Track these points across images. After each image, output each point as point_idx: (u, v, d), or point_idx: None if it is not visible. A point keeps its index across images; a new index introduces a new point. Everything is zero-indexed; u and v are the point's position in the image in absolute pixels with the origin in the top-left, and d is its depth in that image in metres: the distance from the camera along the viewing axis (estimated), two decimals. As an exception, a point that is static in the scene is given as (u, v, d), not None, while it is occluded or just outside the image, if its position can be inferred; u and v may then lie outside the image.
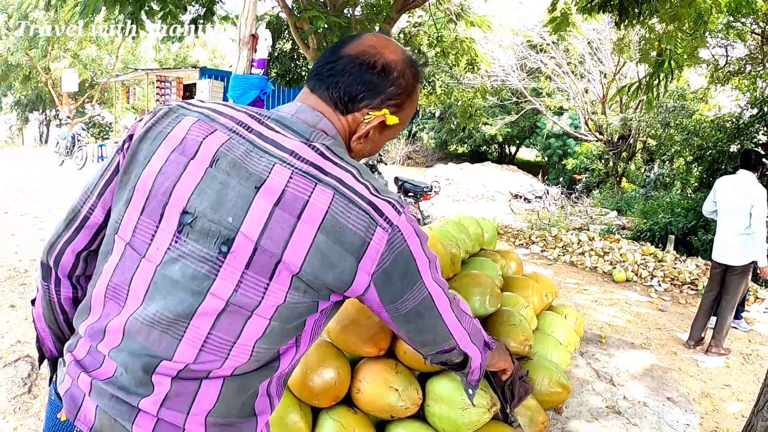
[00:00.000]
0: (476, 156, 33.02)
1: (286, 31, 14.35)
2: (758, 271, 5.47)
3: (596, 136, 22.09)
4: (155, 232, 1.06)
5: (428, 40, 16.48)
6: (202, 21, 12.24)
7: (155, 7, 10.88)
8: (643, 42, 10.18)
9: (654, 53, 8.85)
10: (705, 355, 5.53)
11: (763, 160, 5.58)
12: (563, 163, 25.97)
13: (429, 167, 29.75)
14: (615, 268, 8.45)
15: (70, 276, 1.22)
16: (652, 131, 19.43)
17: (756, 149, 5.95)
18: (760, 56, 13.76)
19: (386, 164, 13.42)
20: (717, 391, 4.74)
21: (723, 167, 11.52)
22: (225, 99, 5.82)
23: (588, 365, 3.01)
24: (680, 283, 7.93)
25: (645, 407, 2.56)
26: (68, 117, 21.31)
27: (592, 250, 9.22)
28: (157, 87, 17.49)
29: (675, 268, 8.28)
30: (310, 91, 1.19)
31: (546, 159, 30.22)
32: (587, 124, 22.54)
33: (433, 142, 36.35)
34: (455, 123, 28.35)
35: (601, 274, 8.48)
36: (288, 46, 15.48)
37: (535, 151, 34.56)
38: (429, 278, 1.15)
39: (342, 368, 2.01)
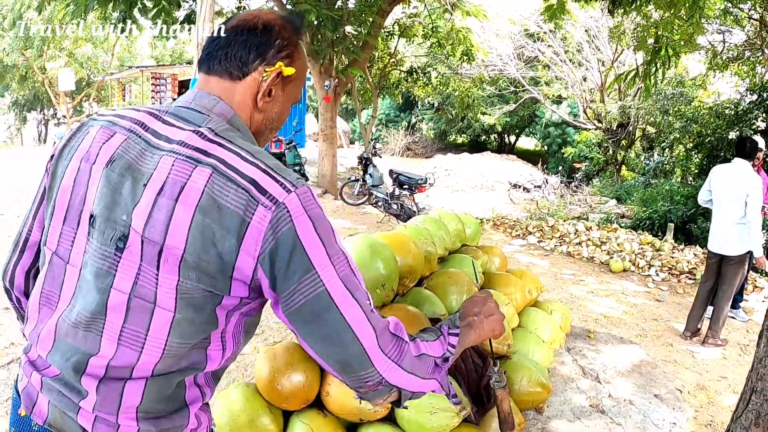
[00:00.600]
0: (476, 146, 32.99)
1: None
2: (754, 261, 5.40)
3: (595, 125, 22.01)
4: (74, 238, 1.12)
5: (423, 30, 16.43)
6: (195, 17, 12.18)
7: (148, 4, 10.84)
8: (639, 29, 10.10)
9: (651, 40, 8.78)
10: (701, 346, 5.46)
11: (761, 147, 5.49)
12: (562, 151, 25.89)
13: (428, 158, 29.72)
14: (612, 258, 8.38)
15: (26, 294, 1.30)
16: (651, 119, 19.32)
17: (751, 137, 5.85)
18: (758, 42, 13.66)
19: (381, 157, 13.39)
20: (713, 383, 4.67)
21: (722, 154, 11.45)
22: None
23: (574, 362, 2.95)
24: (678, 273, 7.85)
25: (631, 405, 2.51)
26: (65, 116, 21.29)
27: (589, 240, 9.15)
28: (152, 84, 17.44)
29: (673, 257, 8.21)
30: (206, 74, 1.21)
31: (545, 148, 30.17)
32: (586, 113, 22.47)
33: (432, 132, 36.32)
34: (453, 113, 28.32)
35: (598, 264, 8.41)
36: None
37: (534, 140, 34.54)
38: (328, 272, 1.06)
39: (310, 371, 1.98)
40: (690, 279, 7.67)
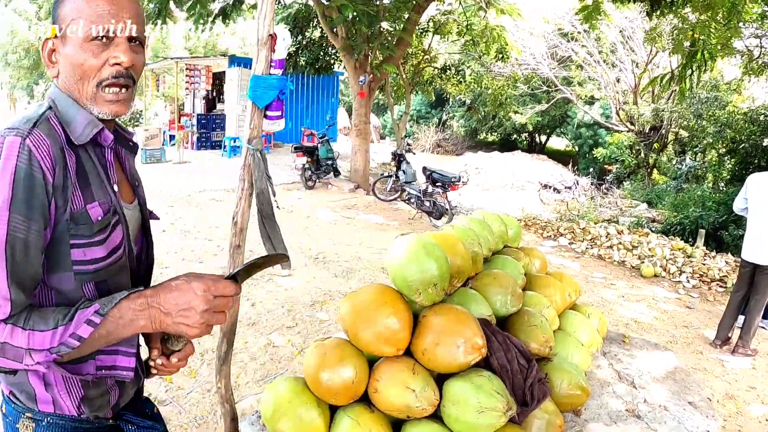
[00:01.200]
0: (506, 144, 32.80)
1: (315, 20, 14.38)
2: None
3: (627, 127, 21.76)
4: None
5: (458, 28, 16.40)
6: (230, 11, 12.33)
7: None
8: (675, 32, 10.00)
9: (687, 43, 8.70)
10: (731, 355, 5.45)
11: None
12: (594, 153, 25.64)
13: (459, 155, 29.62)
14: (643, 262, 8.35)
15: None
16: (684, 122, 19.07)
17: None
18: (797, 47, 13.41)
19: (414, 153, 13.38)
20: (742, 393, 4.67)
21: (756, 161, 11.29)
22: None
23: (610, 366, 2.99)
24: (709, 280, 7.81)
25: (665, 411, 2.54)
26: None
27: (620, 243, 9.12)
28: (186, 75, 17.62)
29: (704, 264, 8.16)
30: None
31: (576, 149, 29.89)
32: (618, 114, 22.21)
33: (462, 130, 36.16)
34: (485, 111, 28.19)
35: (629, 268, 8.38)
36: (317, 33, 15.51)
37: (565, 140, 34.20)
38: None
39: (360, 367, 2.02)
40: (721, 287, 7.61)
